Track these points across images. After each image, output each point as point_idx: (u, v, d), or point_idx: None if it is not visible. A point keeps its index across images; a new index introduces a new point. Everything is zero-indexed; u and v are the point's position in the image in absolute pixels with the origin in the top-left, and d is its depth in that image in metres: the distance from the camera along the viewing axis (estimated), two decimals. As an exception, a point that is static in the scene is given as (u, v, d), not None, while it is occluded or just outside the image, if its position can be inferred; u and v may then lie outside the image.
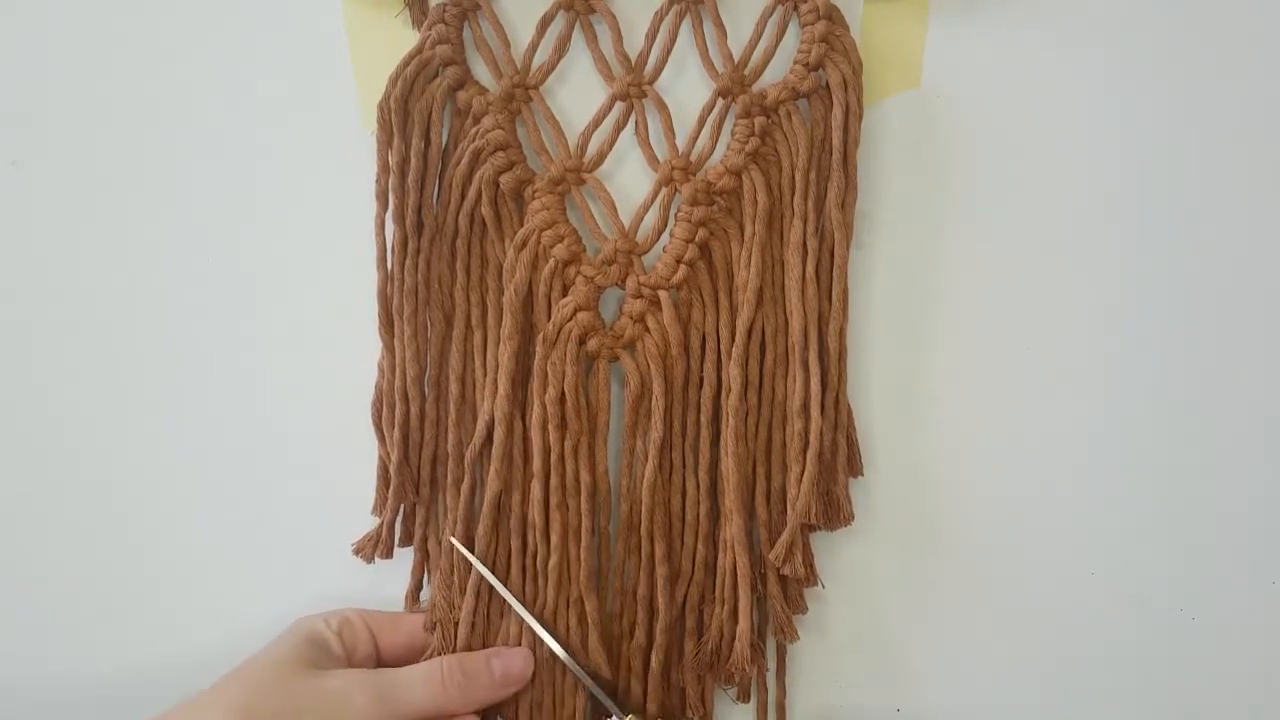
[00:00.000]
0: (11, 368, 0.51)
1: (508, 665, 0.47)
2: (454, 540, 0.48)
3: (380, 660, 0.49)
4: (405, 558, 0.51)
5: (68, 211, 0.50)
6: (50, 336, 0.51)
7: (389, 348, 0.48)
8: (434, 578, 0.49)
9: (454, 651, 0.48)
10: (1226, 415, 0.51)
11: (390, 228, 0.47)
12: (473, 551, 0.48)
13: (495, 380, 0.48)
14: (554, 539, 0.47)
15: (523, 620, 0.47)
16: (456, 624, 0.48)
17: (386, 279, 0.48)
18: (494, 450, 0.47)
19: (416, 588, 0.50)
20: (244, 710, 0.43)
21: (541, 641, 0.47)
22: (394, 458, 0.48)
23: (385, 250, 0.48)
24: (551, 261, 0.47)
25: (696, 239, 0.47)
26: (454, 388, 0.48)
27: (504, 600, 0.48)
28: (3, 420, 0.52)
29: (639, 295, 0.48)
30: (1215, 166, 0.49)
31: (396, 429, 0.48)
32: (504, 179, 0.47)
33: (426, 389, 0.49)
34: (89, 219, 0.50)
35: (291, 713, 0.43)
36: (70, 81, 0.49)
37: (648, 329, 0.48)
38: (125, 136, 0.50)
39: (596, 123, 0.48)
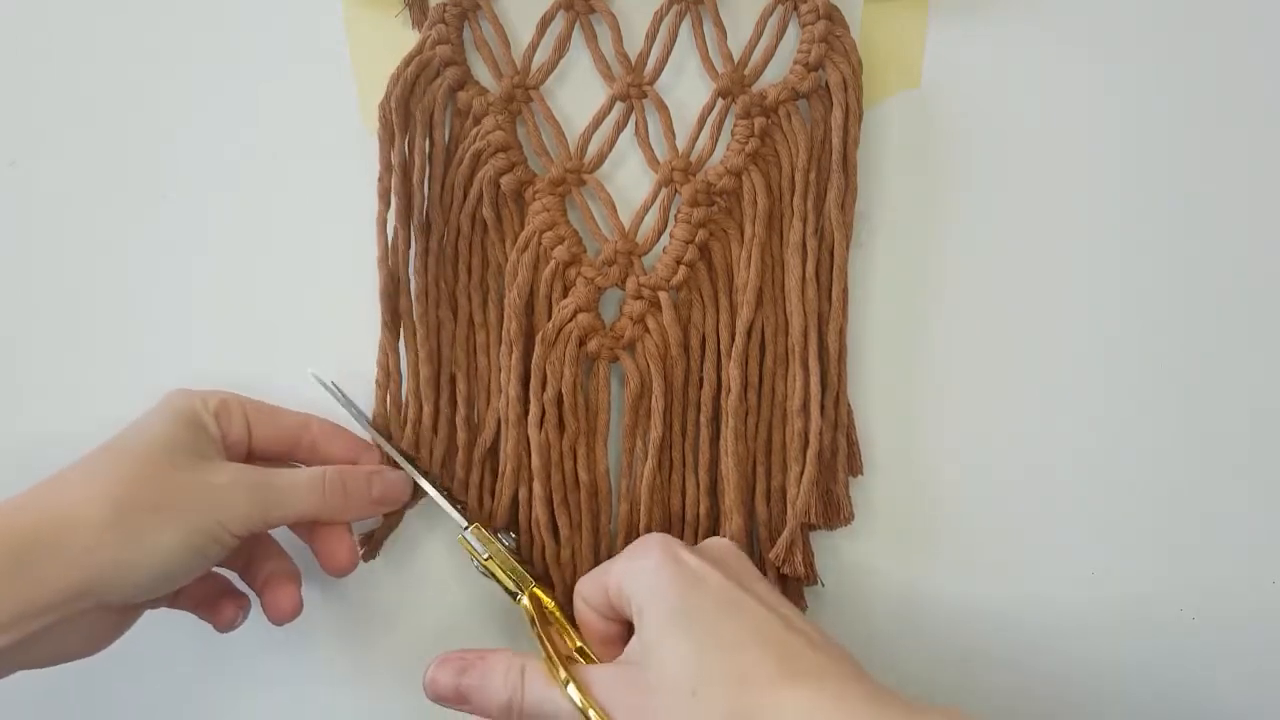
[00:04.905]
0: (11, 368, 0.51)
1: (387, 488, 0.47)
2: (315, 374, 0.49)
3: (250, 449, 0.47)
4: (405, 558, 0.51)
5: (67, 211, 0.50)
6: (50, 336, 0.51)
7: (392, 349, 0.48)
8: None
9: None
10: (1226, 415, 0.50)
11: (393, 227, 0.47)
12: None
13: (500, 381, 0.48)
14: (562, 535, 0.48)
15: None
16: None
17: (390, 278, 0.48)
18: (508, 450, 0.48)
19: None
20: (119, 501, 0.40)
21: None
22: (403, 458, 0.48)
23: (387, 250, 0.48)
24: (552, 263, 0.47)
25: (696, 240, 0.47)
26: (462, 386, 0.48)
27: None
28: (2, 421, 0.52)
29: (639, 296, 0.48)
30: (1216, 166, 0.49)
31: (408, 428, 0.48)
32: (505, 180, 0.47)
33: (442, 387, 0.49)
34: (88, 219, 0.50)
35: (171, 505, 0.41)
36: (70, 81, 0.49)
37: (648, 329, 0.48)
38: (125, 137, 0.50)
39: (596, 123, 0.48)
